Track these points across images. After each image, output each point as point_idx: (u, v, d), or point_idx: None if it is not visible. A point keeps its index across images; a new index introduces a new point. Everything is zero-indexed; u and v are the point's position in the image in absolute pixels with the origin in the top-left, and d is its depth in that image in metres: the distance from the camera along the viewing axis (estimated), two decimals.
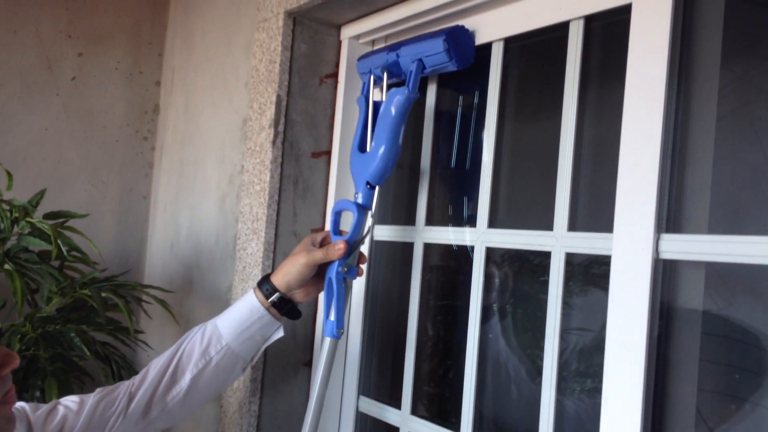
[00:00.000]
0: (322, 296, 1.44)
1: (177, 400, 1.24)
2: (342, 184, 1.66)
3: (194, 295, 1.96)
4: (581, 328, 1.25)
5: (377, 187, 1.32)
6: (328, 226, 1.35)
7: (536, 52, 1.38)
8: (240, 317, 1.26)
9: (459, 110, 1.53)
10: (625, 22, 1.11)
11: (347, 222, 1.31)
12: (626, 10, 1.11)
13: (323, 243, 1.31)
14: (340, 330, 1.29)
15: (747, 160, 1.06)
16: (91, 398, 1.19)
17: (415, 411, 1.48)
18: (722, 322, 1.07)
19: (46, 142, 2.15)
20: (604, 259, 1.16)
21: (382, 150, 1.30)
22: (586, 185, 1.21)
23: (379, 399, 1.57)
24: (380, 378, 1.62)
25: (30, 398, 1.56)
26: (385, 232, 1.60)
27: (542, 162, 1.30)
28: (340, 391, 1.63)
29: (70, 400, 1.18)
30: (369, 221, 1.31)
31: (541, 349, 1.22)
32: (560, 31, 1.25)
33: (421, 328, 1.50)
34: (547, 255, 1.23)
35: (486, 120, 1.37)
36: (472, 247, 1.37)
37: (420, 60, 1.35)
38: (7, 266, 1.55)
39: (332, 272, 1.27)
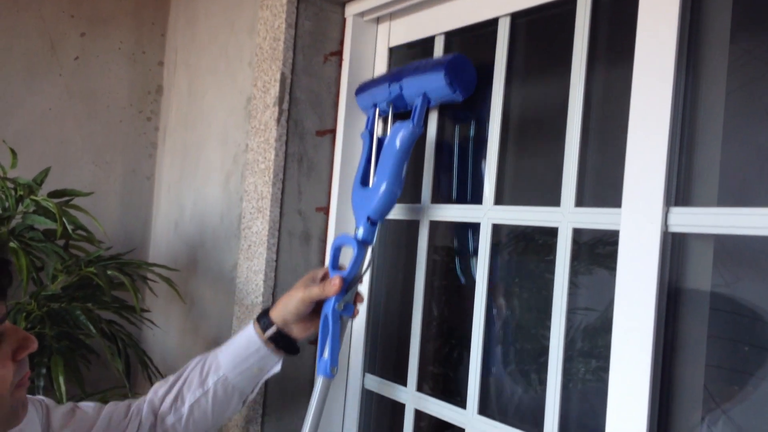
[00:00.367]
0: None
1: (178, 428, 1.23)
2: (347, 163, 1.66)
3: (199, 274, 1.96)
4: (587, 307, 1.24)
5: (378, 223, 1.30)
6: (327, 261, 1.33)
7: (543, 27, 1.37)
8: (238, 349, 1.25)
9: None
10: None
11: (348, 256, 1.29)
12: None
13: (323, 279, 1.29)
14: (333, 368, 1.26)
15: (756, 133, 1.06)
16: (105, 407, 1.20)
17: (420, 388, 1.48)
18: (730, 297, 1.07)
19: (50, 123, 2.15)
20: (611, 237, 1.15)
21: (384, 185, 1.28)
22: (594, 160, 1.21)
23: (384, 377, 1.58)
24: (386, 356, 1.63)
25: (36, 376, 1.56)
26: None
27: (549, 137, 1.29)
28: (345, 368, 1.63)
29: (88, 405, 1.18)
30: (368, 256, 1.29)
31: (548, 328, 1.22)
32: (568, 6, 1.24)
33: (427, 306, 1.50)
34: (554, 232, 1.22)
35: (492, 95, 1.36)
36: (479, 224, 1.37)
37: (424, 94, 1.33)
38: (12, 244, 1.55)
39: (328, 308, 1.24)
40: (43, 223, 1.62)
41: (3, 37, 2.07)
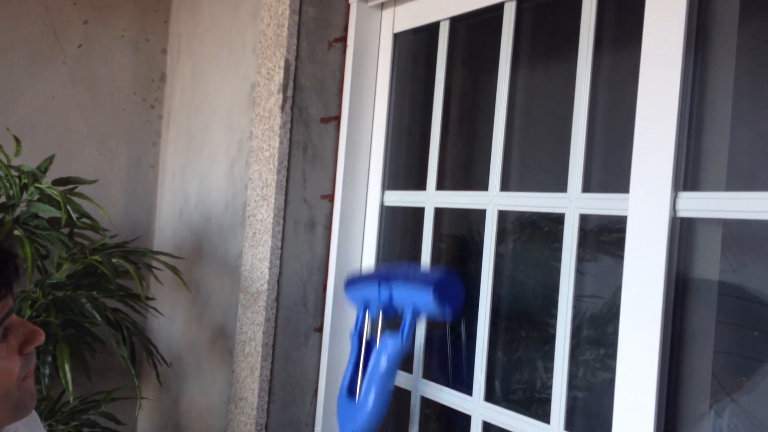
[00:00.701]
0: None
1: None
2: (352, 150, 1.65)
3: (204, 262, 1.96)
4: (593, 295, 1.24)
5: None
6: None
7: (550, 12, 1.35)
8: None
9: (470, 73, 1.52)
10: None
11: None
12: None
13: None
14: None
15: (765, 117, 1.05)
16: None
17: (427, 375, 1.48)
18: (738, 282, 1.06)
19: (53, 111, 2.14)
20: (617, 224, 1.15)
21: (372, 401, 1.26)
22: (601, 146, 1.20)
23: None
24: None
25: (42, 364, 1.56)
26: (395, 198, 1.59)
27: (556, 123, 1.28)
28: None
29: None
30: None
31: (554, 316, 1.21)
32: None
33: None
34: (560, 219, 1.22)
35: (498, 81, 1.35)
36: (484, 211, 1.36)
37: (414, 307, 1.30)
38: (17, 232, 1.55)
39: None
40: (47, 211, 1.62)
41: (6, 25, 2.06)
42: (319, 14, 1.65)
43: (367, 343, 1.33)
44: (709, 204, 0.99)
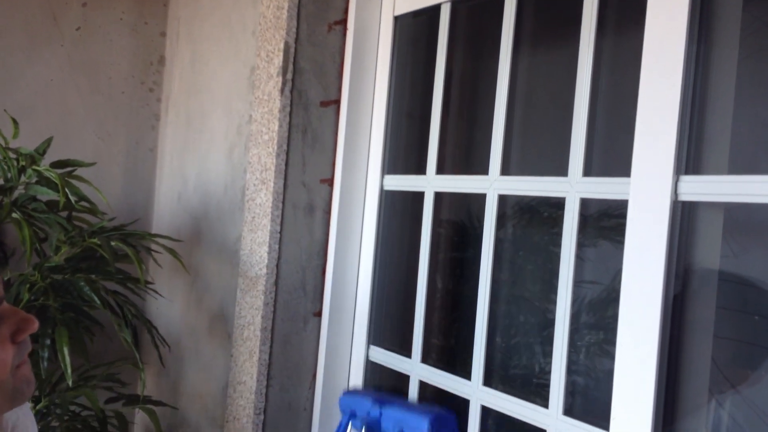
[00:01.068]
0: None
1: None
2: (351, 134, 1.64)
3: (203, 246, 1.95)
4: (593, 281, 1.23)
5: None
6: None
7: None
8: None
9: (471, 56, 1.50)
10: None
11: None
12: None
13: None
14: None
15: None
16: None
17: (425, 360, 1.48)
18: (739, 267, 1.06)
19: (52, 94, 2.13)
20: (617, 209, 1.14)
21: None
22: (602, 129, 1.19)
23: (389, 348, 1.57)
24: (390, 327, 1.62)
25: (40, 347, 1.56)
26: (395, 182, 1.59)
27: (557, 107, 1.27)
28: (350, 340, 1.63)
29: None
30: None
31: (553, 302, 1.21)
32: None
33: (431, 278, 1.49)
34: (560, 204, 1.21)
35: (499, 65, 1.34)
36: (485, 195, 1.35)
37: (401, 430, 1.31)
38: (15, 215, 1.54)
39: None
40: (45, 194, 1.61)
41: (4, 7, 2.04)
42: None
43: None
44: (710, 188, 0.99)
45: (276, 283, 1.62)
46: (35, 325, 0.83)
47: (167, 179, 2.21)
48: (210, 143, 1.96)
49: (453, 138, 1.52)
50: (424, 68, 1.55)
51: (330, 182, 1.67)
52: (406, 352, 1.51)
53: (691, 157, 1.03)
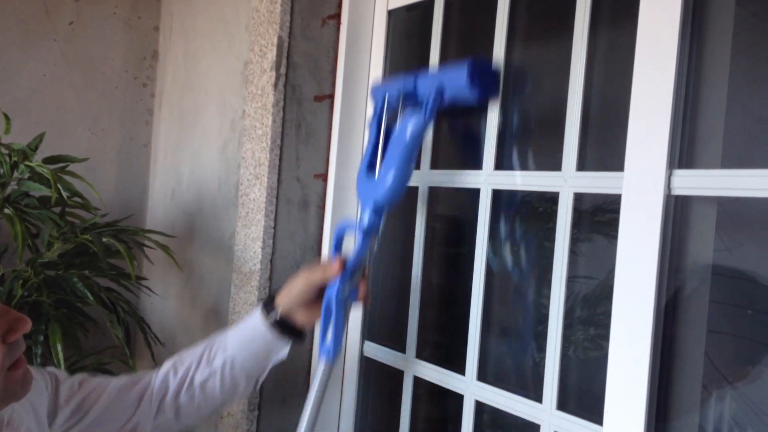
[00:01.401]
0: None
1: (189, 406, 1.23)
2: (345, 129, 1.63)
3: (197, 242, 1.95)
4: (587, 276, 1.23)
5: (384, 213, 1.26)
6: (330, 247, 1.30)
7: None
8: (245, 331, 1.25)
9: (465, 51, 1.50)
10: None
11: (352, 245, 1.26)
12: None
13: None
14: (336, 354, 1.24)
15: (761, 94, 1.04)
16: (114, 380, 1.20)
17: (420, 355, 1.48)
18: (732, 262, 1.06)
19: (45, 89, 2.12)
20: (611, 204, 1.14)
21: (392, 174, 1.23)
22: (596, 124, 1.19)
23: (384, 344, 1.57)
24: (385, 323, 1.62)
25: (34, 343, 1.56)
26: None
27: (550, 101, 1.27)
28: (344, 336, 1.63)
29: (97, 378, 1.18)
30: (375, 247, 1.25)
31: (547, 297, 1.20)
32: None
33: (426, 273, 1.49)
34: (554, 199, 1.21)
35: (492, 59, 1.33)
36: (479, 190, 1.35)
37: (439, 88, 1.26)
38: (7, 211, 1.54)
39: (331, 293, 1.22)
40: (38, 190, 1.61)
41: None
42: None
43: (386, 129, 1.31)
44: (704, 182, 0.98)
45: (270, 278, 1.62)
46: (27, 325, 0.80)
47: (161, 175, 2.20)
48: (203, 139, 1.96)
49: (447, 131, 1.52)
50: (418, 63, 1.55)
51: (324, 177, 1.67)
52: (400, 347, 1.51)
53: (684, 151, 1.03)
